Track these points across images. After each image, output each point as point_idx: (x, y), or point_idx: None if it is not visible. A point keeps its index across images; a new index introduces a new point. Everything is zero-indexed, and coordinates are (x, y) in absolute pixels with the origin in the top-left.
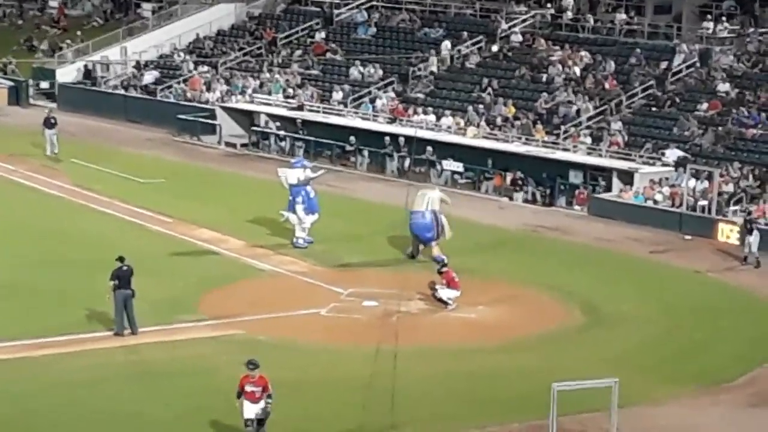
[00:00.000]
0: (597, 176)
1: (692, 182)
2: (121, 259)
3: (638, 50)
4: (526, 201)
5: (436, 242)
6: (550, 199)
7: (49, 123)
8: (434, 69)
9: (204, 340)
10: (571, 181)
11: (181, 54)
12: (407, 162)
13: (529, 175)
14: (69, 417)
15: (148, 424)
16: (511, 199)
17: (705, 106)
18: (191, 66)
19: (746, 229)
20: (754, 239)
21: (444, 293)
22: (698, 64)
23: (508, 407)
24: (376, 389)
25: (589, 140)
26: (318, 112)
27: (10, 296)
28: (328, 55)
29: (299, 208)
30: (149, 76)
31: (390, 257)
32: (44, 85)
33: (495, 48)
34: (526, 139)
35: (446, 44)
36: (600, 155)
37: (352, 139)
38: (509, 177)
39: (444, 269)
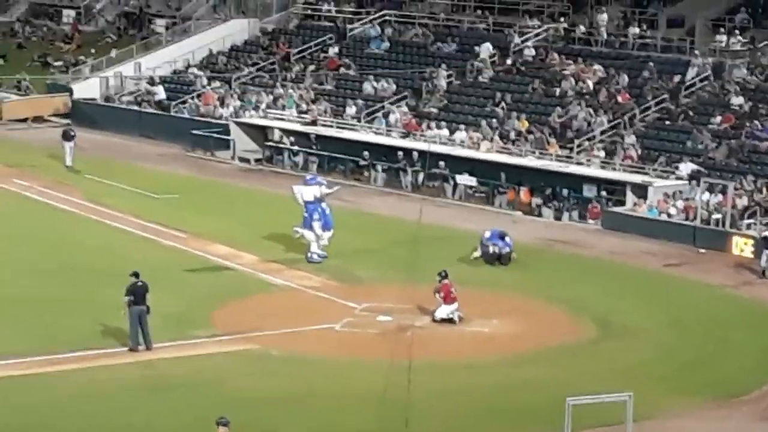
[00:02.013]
0: (611, 190)
1: (706, 196)
2: (135, 274)
3: (651, 64)
4: (540, 215)
5: None
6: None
7: (67, 135)
8: (442, 83)
9: (218, 355)
10: (585, 195)
11: (195, 69)
12: (421, 176)
13: (544, 190)
14: (82, 430)
15: None
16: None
17: (718, 119)
18: (205, 81)
19: (764, 244)
20: None
21: (441, 312)
22: (711, 78)
23: (521, 421)
24: (390, 403)
25: (602, 154)
26: (331, 126)
27: (24, 311)
28: (342, 69)
29: (316, 224)
30: (157, 91)
31: (404, 272)
32: None
33: (508, 62)
34: (540, 153)
35: (487, 46)
36: (614, 169)
37: (366, 153)
38: (523, 192)
39: (444, 281)
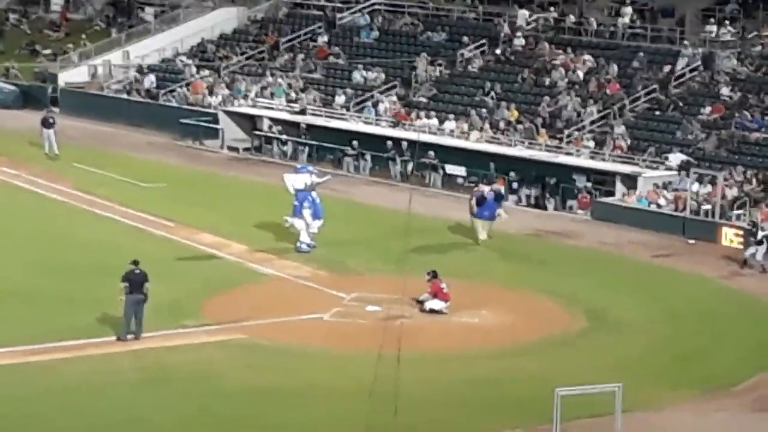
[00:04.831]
0: (600, 180)
1: (696, 186)
2: (135, 262)
3: (641, 54)
4: (531, 206)
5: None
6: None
7: (47, 123)
8: (432, 72)
9: (207, 344)
10: (575, 185)
11: (184, 58)
12: (410, 166)
13: (532, 179)
14: (72, 422)
15: (151, 429)
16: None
17: (708, 109)
18: (193, 70)
19: (751, 237)
20: (761, 248)
21: (433, 304)
22: (701, 68)
23: (511, 412)
24: (379, 394)
25: (592, 144)
26: (320, 116)
27: (14, 301)
28: (331, 59)
29: (306, 212)
30: (148, 80)
31: (393, 262)
32: None
33: (498, 51)
34: (529, 143)
35: (523, 13)
36: (603, 159)
37: (355, 143)
38: (508, 181)
39: (433, 279)
